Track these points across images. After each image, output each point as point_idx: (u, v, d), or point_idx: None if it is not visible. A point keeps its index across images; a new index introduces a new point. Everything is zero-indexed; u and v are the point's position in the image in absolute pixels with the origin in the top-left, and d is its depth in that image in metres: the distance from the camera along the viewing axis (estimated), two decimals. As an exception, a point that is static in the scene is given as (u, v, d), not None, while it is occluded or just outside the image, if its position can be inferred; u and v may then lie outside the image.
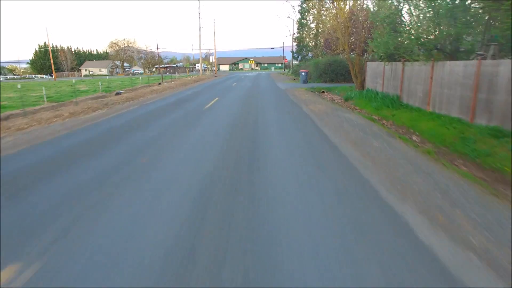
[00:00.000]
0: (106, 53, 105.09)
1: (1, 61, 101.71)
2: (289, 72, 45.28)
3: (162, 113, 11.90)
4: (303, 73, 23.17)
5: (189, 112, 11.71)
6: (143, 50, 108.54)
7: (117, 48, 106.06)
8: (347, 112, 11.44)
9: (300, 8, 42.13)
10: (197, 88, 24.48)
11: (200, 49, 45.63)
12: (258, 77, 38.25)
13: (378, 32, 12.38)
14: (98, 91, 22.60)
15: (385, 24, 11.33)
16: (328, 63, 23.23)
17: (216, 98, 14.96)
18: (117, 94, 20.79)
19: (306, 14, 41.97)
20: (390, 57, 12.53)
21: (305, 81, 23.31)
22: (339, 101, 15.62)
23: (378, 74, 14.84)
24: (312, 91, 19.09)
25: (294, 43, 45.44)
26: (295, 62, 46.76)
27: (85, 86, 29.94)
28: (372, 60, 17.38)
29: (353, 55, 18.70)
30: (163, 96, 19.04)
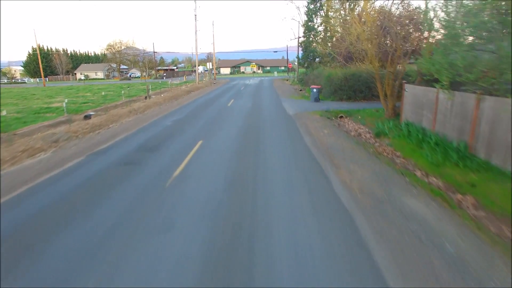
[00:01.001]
0: (104, 55, 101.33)
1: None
2: (294, 80, 41.11)
3: (107, 185, 7.88)
4: (315, 90, 19.06)
5: (149, 188, 7.70)
6: (140, 52, 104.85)
7: (113, 50, 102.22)
8: (407, 191, 6.60)
9: (306, 9, 38.06)
10: (185, 109, 20.36)
11: (196, 54, 41.68)
12: (259, 89, 34.04)
13: (440, 48, 8.29)
14: (70, 108, 18.64)
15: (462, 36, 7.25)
16: (345, 77, 19.11)
17: (200, 142, 10.70)
18: (86, 117, 16.81)
19: (314, 16, 37.89)
20: (455, 85, 8.48)
21: (317, 99, 19.24)
22: (368, 136, 11.54)
23: (425, 104, 10.74)
24: (328, 117, 15.04)
25: (300, 48, 41.35)
26: (300, 68, 42.60)
27: (62, 98, 26.05)
28: (408, 79, 13.28)
29: (383, 71, 14.61)
30: (138, 126, 15.01)
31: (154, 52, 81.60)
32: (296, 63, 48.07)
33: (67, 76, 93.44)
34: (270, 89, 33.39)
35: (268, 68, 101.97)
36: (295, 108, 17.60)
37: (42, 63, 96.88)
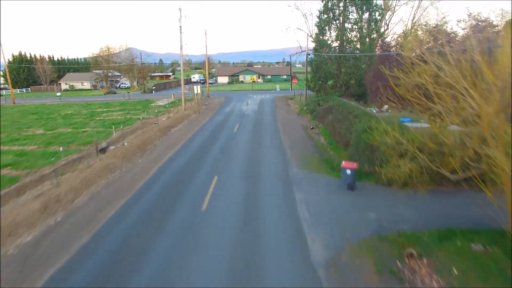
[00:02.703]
0: (96, 61, 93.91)
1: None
2: (302, 107, 33.61)
3: None
4: (348, 172, 11.54)
5: None
6: (133, 57, 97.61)
7: (105, 55, 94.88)
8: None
9: (318, 20, 30.70)
10: (150, 184, 13.09)
11: (181, 73, 34.40)
12: (260, 126, 26.61)
13: None
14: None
15: None
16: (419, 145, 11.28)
17: None
18: None
19: (327, 29, 30.50)
20: None
21: (351, 186, 11.75)
22: None
23: None
24: (383, 254, 7.67)
25: (306, 56, 33.97)
26: (309, 92, 35.15)
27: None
28: None
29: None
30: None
31: (142, 63, 74.11)
32: (304, 78, 40.70)
33: (51, 86, 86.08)
34: (273, 126, 25.96)
35: (269, 76, 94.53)
36: (320, 218, 10.16)
37: (24, 72, 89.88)
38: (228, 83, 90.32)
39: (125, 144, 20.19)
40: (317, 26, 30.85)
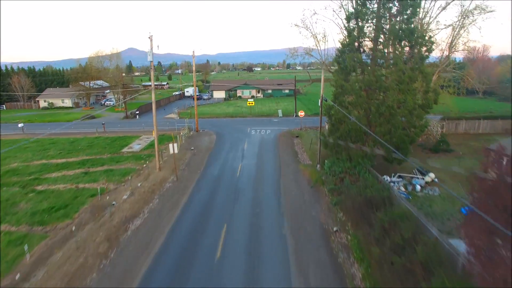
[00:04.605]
0: (76, 75, 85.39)
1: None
2: (318, 174, 25.17)
3: None
4: None
5: None
6: (121, 68, 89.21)
7: (83, 71, 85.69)
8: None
9: (346, 31, 22.28)
10: None
11: (154, 113, 26.36)
12: (258, 230, 18.67)
13: None
14: None
15: None
16: None
17: None
18: None
19: (357, 43, 22.27)
20: None
21: None
22: None
23: None
24: None
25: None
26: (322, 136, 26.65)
27: None
28: None
29: None
30: None
31: (123, 85, 65.41)
32: (319, 118, 32.62)
33: (28, 103, 77.67)
34: (277, 248, 17.70)
35: (270, 91, 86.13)
36: None
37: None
38: (225, 99, 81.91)
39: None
40: (342, 45, 22.27)
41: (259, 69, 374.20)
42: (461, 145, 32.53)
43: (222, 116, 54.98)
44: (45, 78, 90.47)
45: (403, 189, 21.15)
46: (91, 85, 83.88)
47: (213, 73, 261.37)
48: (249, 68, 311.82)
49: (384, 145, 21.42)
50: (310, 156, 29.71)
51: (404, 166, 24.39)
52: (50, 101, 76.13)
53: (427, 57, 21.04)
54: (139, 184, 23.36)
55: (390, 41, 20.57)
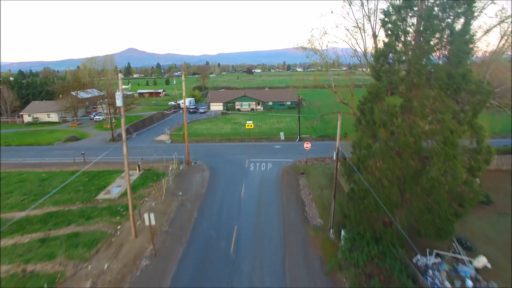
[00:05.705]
0: (62, 88, 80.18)
1: None
2: (336, 255, 20.02)
3: None
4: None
5: None
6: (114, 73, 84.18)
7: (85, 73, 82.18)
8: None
9: (372, 70, 17.25)
10: None
11: (127, 180, 21.24)
12: None
13: None
14: None
15: None
16: None
17: None
18: None
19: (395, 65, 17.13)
20: None
21: None
22: None
23: None
24: None
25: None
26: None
27: None
28: None
29: None
30: None
31: (108, 100, 59.43)
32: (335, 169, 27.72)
33: (12, 118, 72.54)
34: None
35: (271, 103, 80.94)
36: None
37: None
38: (222, 112, 76.70)
39: None
40: (377, 71, 16.90)
41: (259, 70, 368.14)
42: (499, 192, 27.34)
43: (218, 139, 49.68)
44: (31, 91, 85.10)
45: (448, 284, 15.94)
46: (82, 94, 78.79)
47: (212, 75, 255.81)
48: (249, 70, 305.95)
49: (423, 226, 16.28)
50: (320, 210, 24.59)
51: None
52: (35, 116, 70.96)
53: (482, 108, 15.87)
54: (105, 266, 18.21)
55: (435, 89, 15.39)
